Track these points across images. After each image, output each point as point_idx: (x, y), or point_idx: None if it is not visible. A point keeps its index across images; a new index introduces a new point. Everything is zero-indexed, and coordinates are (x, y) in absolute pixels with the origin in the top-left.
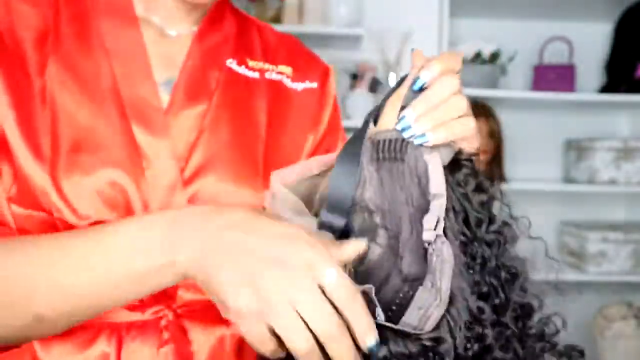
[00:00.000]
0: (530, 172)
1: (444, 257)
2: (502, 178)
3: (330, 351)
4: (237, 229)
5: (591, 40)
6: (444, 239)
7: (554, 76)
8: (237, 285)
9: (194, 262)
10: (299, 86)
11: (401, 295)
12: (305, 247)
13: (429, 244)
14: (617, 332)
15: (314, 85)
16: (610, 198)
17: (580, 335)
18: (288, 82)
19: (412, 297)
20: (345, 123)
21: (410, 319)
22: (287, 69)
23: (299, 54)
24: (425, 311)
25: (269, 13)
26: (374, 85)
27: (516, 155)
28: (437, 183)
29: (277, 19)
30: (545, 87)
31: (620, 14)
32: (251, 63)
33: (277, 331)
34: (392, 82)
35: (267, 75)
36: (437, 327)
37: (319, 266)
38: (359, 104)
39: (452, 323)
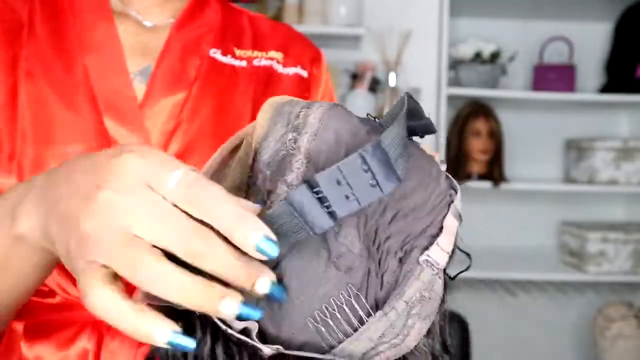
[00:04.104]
0: (530, 172)
1: (434, 296)
2: (502, 178)
3: (203, 268)
4: (59, 180)
5: (591, 40)
6: (442, 274)
7: (554, 76)
8: (64, 245)
9: (38, 231)
10: (290, 71)
11: (325, 303)
12: (136, 161)
13: (420, 266)
14: (617, 332)
15: (304, 73)
16: (610, 198)
17: (580, 335)
18: (279, 68)
19: (344, 312)
20: None
21: (350, 348)
22: (278, 55)
23: (292, 39)
24: (374, 346)
25: (269, 13)
26: (374, 85)
27: (516, 155)
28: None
29: (277, 19)
30: (545, 87)
31: (620, 14)
32: (239, 52)
33: (122, 274)
34: (392, 82)
35: (256, 62)
36: None
37: (156, 175)
38: (359, 103)
39: None
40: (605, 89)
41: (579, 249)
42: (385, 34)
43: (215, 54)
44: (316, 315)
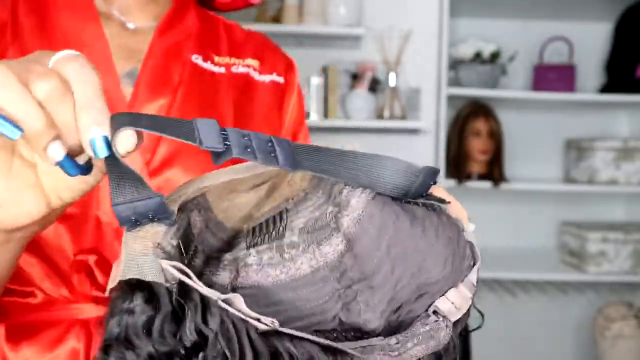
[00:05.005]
0: (530, 172)
1: (437, 336)
2: (502, 178)
3: (36, 93)
4: None
5: (591, 40)
6: (450, 324)
7: (554, 76)
8: None
9: None
10: (266, 78)
11: (334, 335)
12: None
13: (428, 316)
14: (617, 332)
15: (281, 79)
16: (610, 198)
17: (580, 335)
18: (255, 75)
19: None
20: (344, 123)
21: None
22: (254, 62)
23: (266, 48)
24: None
25: (269, 13)
26: (374, 85)
27: (516, 155)
28: (474, 277)
29: (277, 19)
30: (545, 87)
31: (620, 14)
32: (217, 59)
33: None
34: (392, 82)
35: (234, 69)
36: None
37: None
38: (359, 103)
39: None
40: (605, 89)
41: (579, 249)
42: (385, 34)
43: (197, 59)
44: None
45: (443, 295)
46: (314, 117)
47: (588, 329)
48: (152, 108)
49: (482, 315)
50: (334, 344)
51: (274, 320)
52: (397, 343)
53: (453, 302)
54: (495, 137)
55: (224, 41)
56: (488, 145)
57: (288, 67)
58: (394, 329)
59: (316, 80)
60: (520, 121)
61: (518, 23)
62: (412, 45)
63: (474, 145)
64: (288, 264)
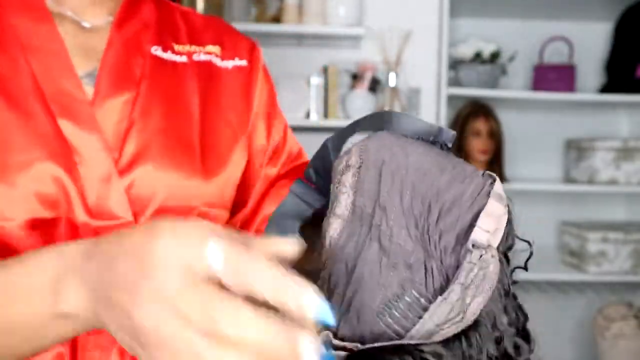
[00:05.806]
0: (530, 172)
1: (488, 274)
2: (502, 178)
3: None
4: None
5: (591, 40)
6: (495, 252)
7: (554, 76)
8: (126, 344)
9: (88, 313)
10: (229, 64)
11: (390, 300)
12: (170, 244)
13: (469, 251)
14: (617, 332)
15: (244, 62)
16: (610, 198)
17: (580, 335)
18: (217, 61)
19: (406, 303)
20: (345, 123)
21: (420, 333)
22: (215, 48)
23: (226, 33)
24: (439, 326)
25: (269, 13)
26: (374, 85)
27: (516, 155)
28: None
29: (277, 19)
30: (545, 87)
31: (620, 14)
32: (177, 47)
33: None
34: (392, 82)
35: (195, 57)
36: (446, 341)
37: (194, 257)
38: (359, 103)
39: (465, 346)
40: (605, 89)
41: (579, 249)
42: (385, 34)
43: (157, 51)
44: (385, 312)
45: (474, 225)
46: (314, 117)
47: (588, 329)
48: (116, 104)
49: (529, 244)
50: (401, 342)
51: (357, 344)
52: (457, 300)
53: (487, 230)
54: (495, 137)
55: (183, 29)
56: (488, 145)
57: (251, 49)
58: (441, 262)
59: (316, 80)
60: (520, 121)
61: (518, 23)
62: (412, 45)
63: (474, 145)
64: (324, 242)
